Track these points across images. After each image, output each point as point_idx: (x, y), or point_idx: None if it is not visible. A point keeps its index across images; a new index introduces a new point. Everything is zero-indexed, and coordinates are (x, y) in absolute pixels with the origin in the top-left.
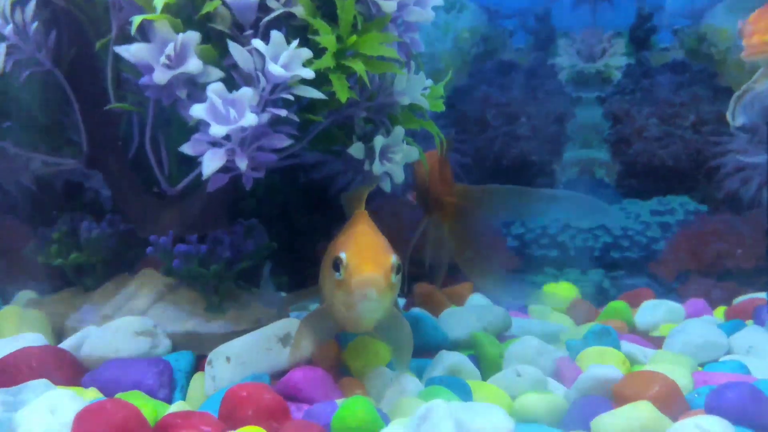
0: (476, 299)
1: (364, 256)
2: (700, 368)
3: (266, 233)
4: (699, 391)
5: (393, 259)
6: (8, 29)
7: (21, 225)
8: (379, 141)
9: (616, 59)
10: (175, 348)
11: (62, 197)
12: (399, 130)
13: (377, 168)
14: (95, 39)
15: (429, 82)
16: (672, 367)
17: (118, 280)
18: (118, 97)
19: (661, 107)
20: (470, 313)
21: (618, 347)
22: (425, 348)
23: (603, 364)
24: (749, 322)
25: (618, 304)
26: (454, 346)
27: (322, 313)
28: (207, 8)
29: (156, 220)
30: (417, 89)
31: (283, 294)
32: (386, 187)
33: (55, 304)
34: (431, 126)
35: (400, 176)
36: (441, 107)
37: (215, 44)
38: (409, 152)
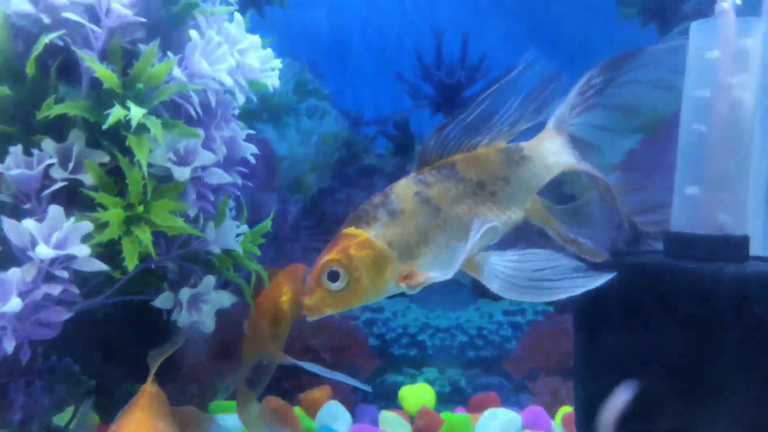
0: (331, 407)
1: None
2: None
3: (79, 373)
4: None
5: None
6: None
7: None
8: (185, 293)
9: None
10: None
11: None
12: (209, 280)
13: (184, 318)
14: None
15: (244, 228)
16: None
17: None
18: None
19: None
20: None
21: None
22: None
23: None
24: None
25: (457, 418)
26: None
27: None
28: None
29: None
30: (230, 236)
31: None
32: (205, 328)
33: None
34: (250, 264)
35: (209, 326)
36: (256, 251)
37: None
38: (220, 299)
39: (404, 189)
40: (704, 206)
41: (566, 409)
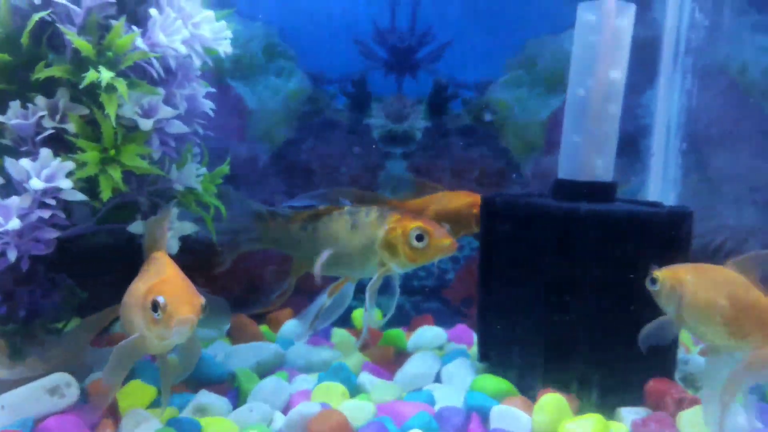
0: (291, 324)
1: (181, 300)
2: (404, 395)
3: (72, 286)
4: (368, 425)
5: (203, 301)
6: None
7: None
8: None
9: (418, 122)
10: None
11: None
12: (173, 211)
13: None
14: None
15: (203, 170)
16: (368, 400)
17: None
18: None
19: (454, 162)
20: (249, 349)
21: (348, 381)
22: (207, 381)
23: (327, 398)
24: None
25: (393, 332)
26: (232, 378)
27: (132, 342)
28: None
29: None
30: (190, 176)
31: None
32: (172, 249)
33: None
34: (209, 199)
35: (173, 248)
36: (213, 189)
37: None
38: (183, 227)
39: None
40: (583, 156)
41: None
